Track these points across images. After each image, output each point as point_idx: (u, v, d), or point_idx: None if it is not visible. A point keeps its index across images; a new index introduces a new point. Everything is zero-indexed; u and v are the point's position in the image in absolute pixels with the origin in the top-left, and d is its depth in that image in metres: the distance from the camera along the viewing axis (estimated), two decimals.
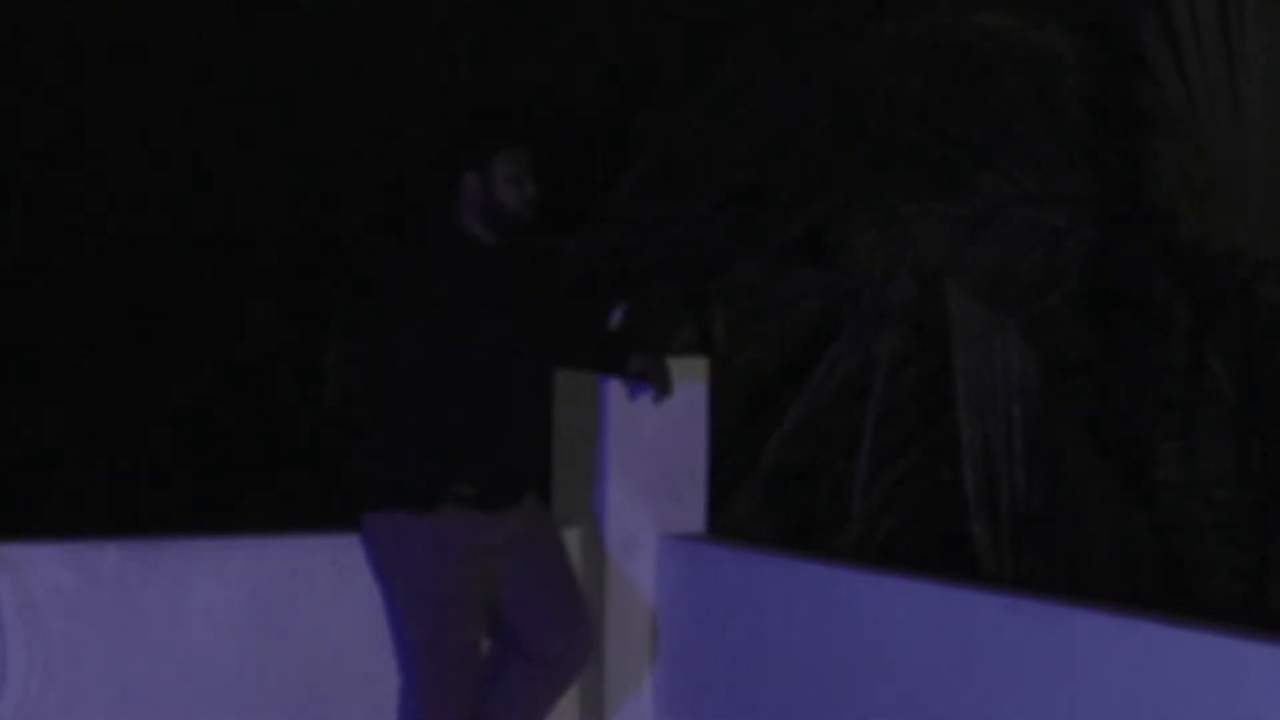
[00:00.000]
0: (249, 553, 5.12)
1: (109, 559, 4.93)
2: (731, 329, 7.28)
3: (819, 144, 7.31)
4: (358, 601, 5.19)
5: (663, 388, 5.09)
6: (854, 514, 6.83)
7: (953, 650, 4.50)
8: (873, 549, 6.71)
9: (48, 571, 4.84)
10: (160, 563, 4.99)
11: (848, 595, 4.88)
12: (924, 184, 7.13)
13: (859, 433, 6.92)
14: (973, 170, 7.09)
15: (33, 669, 4.77)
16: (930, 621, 4.61)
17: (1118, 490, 6.59)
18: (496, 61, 8.59)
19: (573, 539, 5.32)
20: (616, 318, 5.37)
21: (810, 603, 4.98)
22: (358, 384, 5.00)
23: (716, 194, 7.52)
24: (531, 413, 5.04)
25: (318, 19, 8.73)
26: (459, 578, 4.86)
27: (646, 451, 5.36)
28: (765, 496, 7.07)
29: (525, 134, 4.98)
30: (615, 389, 5.29)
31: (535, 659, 4.98)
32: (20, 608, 4.78)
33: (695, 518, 5.46)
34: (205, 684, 5.00)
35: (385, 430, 4.88)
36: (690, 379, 5.34)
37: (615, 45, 8.32)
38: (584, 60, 8.38)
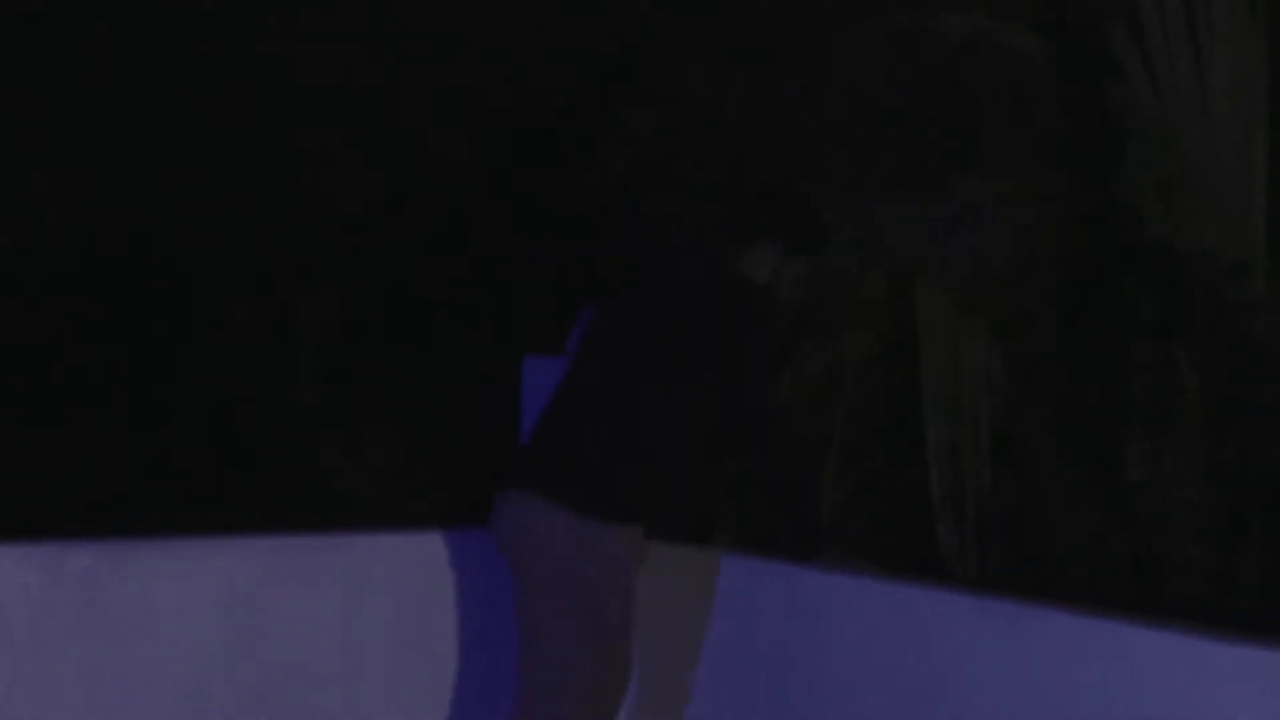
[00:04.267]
0: (220, 554, 5.10)
1: (78, 560, 4.89)
2: None
3: (790, 143, 7.32)
4: (330, 602, 5.19)
5: None
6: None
7: (920, 651, 4.51)
8: (839, 549, 6.70)
9: (14, 573, 4.80)
10: (130, 564, 4.97)
11: (814, 595, 4.88)
12: (895, 183, 7.14)
13: (827, 431, 6.93)
14: (943, 169, 7.11)
15: None
16: (897, 622, 4.61)
17: (1086, 490, 6.60)
18: (476, 54, 8.56)
19: None
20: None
21: (776, 603, 4.98)
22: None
23: (686, 192, 7.52)
24: None
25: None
26: None
27: None
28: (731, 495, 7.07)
29: None
30: None
31: None
32: None
33: None
34: (175, 686, 4.98)
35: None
36: None
37: (588, 40, 8.31)
38: (557, 55, 8.37)
